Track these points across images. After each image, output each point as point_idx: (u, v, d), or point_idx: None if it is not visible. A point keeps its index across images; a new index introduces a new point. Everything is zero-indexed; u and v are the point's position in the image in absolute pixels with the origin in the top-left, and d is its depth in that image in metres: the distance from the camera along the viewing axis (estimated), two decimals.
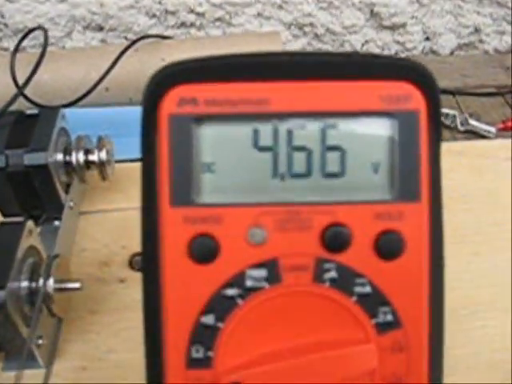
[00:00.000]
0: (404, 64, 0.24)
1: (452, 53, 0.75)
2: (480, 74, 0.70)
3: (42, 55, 0.47)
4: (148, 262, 0.24)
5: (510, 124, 0.61)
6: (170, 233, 0.23)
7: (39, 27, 0.51)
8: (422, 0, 0.70)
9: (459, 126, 0.61)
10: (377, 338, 0.23)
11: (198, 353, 0.23)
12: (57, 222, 0.46)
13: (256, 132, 0.23)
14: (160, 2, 0.66)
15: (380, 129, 0.23)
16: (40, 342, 0.37)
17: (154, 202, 0.23)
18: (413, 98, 0.23)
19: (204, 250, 0.23)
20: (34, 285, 0.37)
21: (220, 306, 0.23)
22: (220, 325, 0.23)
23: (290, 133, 0.23)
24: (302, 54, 0.29)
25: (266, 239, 0.23)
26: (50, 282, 0.36)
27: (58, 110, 0.46)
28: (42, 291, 0.36)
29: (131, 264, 0.45)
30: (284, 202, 0.23)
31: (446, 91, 0.66)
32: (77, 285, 0.38)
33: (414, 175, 0.23)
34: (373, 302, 0.23)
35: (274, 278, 0.23)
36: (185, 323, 0.23)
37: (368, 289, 0.23)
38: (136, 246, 0.46)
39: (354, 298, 0.23)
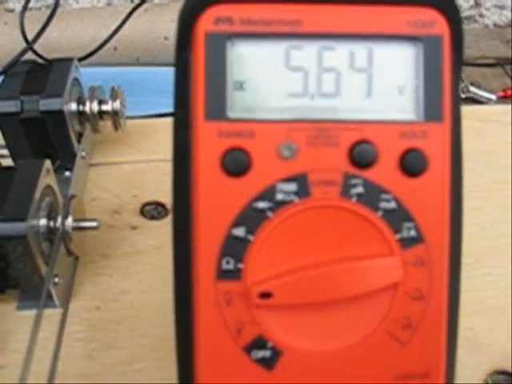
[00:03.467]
0: None
1: None
2: (481, 46, 0.71)
3: (54, 11, 0.47)
4: (180, 177, 0.25)
5: (509, 92, 0.62)
6: (204, 145, 0.24)
7: None
8: None
9: (460, 93, 0.62)
10: (401, 252, 0.24)
11: (228, 264, 0.24)
12: (67, 173, 0.46)
13: (288, 51, 0.24)
14: None
15: (406, 52, 0.24)
16: (57, 280, 0.38)
17: (188, 117, 0.24)
18: (437, 24, 0.24)
19: (236, 163, 0.24)
20: (52, 223, 0.37)
21: (251, 218, 0.24)
22: (250, 237, 0.24)
23: (320, 53, 0.24)
24: None
25: (296, 154, 0.24)
26: (69, 220, 0.37)
27: (72, 61, 0.46)
28: (61, 228, 0.36)
29: (142, 212, 0.46)
30: (314, 120, 0.24)
31: None
32: (94, 223, 0.39)
33: (438, 97, 0.24)
34: (397, 217, 0.24)
35: (303, 192, 0.24)
36: (216, 235, 0.24)
37: (393, 204, 0.24)
38: (147, 195, 0.48)
39: (380, 213, 0.24)
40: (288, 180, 0.24)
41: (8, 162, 0.46)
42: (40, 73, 0.45)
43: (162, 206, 0.47)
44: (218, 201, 0.24)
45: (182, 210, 0.25)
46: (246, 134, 0.24)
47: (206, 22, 0.24)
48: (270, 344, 0.25)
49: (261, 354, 0.25)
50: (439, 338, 0.25)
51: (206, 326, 0.25)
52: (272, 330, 0.24)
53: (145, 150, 0.51)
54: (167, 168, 0.46)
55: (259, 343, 0.25)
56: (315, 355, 0.25)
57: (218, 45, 0.24)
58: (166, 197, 0.47)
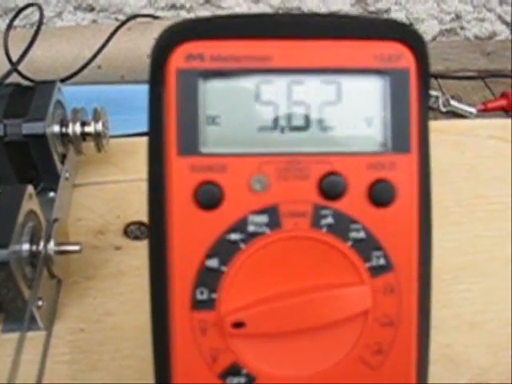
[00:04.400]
0: (395, 25, 0.25)
1: (434, 38, 0.77)
2: (461, 59, 0.72)
3: (38, 30, 0.48)
4: (155, 209, 0.25)
5: (489, 105, 0.63)
6: (177, 180, 0.24)
7: (34, 4, 0.52)
8: None
9: (441, 107, 0.63)
10: (370, 280, 0.25)
11: (202, 295, 0.25)
12: (52, 194, 0.47)
13: (258, 87, 0.25)
14: None
15: (373, 85, 0.25)
16: (40, 303, 0.38)
17: (161, 152, 0.25)
18: (404, 57, 0.25)
19: (209, 197, 0.24)
20: (34, 248, 0.38)
21: (224, 250, 0.25)
22: (223, 268, 0.25)
23: (290, 88, 0.25)
24: (303, 15, 0.30)
25: (268, 187, 0.25)
26: (51, 244, 0.38)
27: (54, 83, 0.47)
28: (43, 252, 0.37)
29: (126, 233, 0.46)
30: (284, 153, 0.25)
31: None
32: (77, 247, 0.39)
33: (405, 128, 0.25)
34: (367, 246, 0.25)
35: (274, 223, 0.25)
36: (190, 267, 0.25)
37: (362, 234, 0.25)
38: (130, 215, 0.48)
39: (350, 243, 0.25)
40: (259, 212, 0.25)
41: None
42: (23, 96, 0.46)
43: (146, 225, 0.47)
44: (192, 233, 0.25)
45: (157, 241, 0.25)
46: (219, 168, 0.24)
47: (178, 59, 0.24)
48: (244, 371, 0.25)
49: (236, 380, 0.25)
50: (409, 362, 0.26)
51: (181, 354, 0.25)
52: (246, 358, 0.25)
53: (129, 169, 0.52)
54: None
55: (234, 370, 0.25)
56: (288, 381, 0.25)
57: (190, 81, 0.24)
58: None
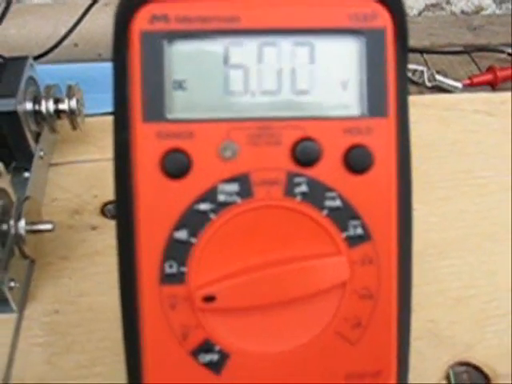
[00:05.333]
0: None
1: (420, 13, 0.76)
2: (447, 34, 0.71)
3: (7, 7, 0.46)
4: (121, 179, 0.24)
5: (475, 80, 0.62)
6: (142, 148, 0.23)
7: None
8: None
9: (426, 82, 0.62)
10: (347, 250, 0.24)
11: (171, 268, 0.24)
12: (26, 174, 0.45)
13: (227, 49, 0.23)
14: None
15: (348, 46, 0.24)
16: (12, 284, 0.37)
17: (126, 119, 0.23)
18: (379, 16, 0.24)
19: (176, 165, 0.23)
20: (4, 227, 0.36)
21: (193, 221, 0.23)
22: (193, 240, 0.24)
23: (260, 50, 0.24)
24: None
25: (238, 154, 0.23)
26: (22, 223, 0.36)
27: (26, 59, 0.45)
28: (13, 232, 0.36)
29: (103, 212, 0.45)
30: (255, 118, 0.23)
31: (414, 50, 0.67)
32: (49, 226, 0.38)
33: (382, 91, 0.24)
34: (343, 215, 0.24)
35: (245, 192, 0.23)
36: (158, 239, 0.24)
37: (338, 202, 0.24)
38: (108, 195, 0.47)
39: (325, 212, 0.24)
40: (229, 181, 0.23)
41: None
42: None
43: None
44: (159, 203, 0.23)
45: (124, 213, 0.24)
46: (186, 134, 0.23)
47: (141, 21, 0.23)
48: (217, 348, 0.24)
49: (208, 357, 0.24)
50: (389, 336, 0.25)
51: (151, 331, 0.24)
52: (218, 334, 0.24)
53: (106, 147, 0.50)
54: None
55: (206, 347, 0.24)
56: (263, 357, 0.24)
57: (155, 44, 0.23)
58: None
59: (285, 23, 0.23)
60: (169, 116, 0.23)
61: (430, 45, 0.69)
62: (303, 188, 0.24)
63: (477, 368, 0.37)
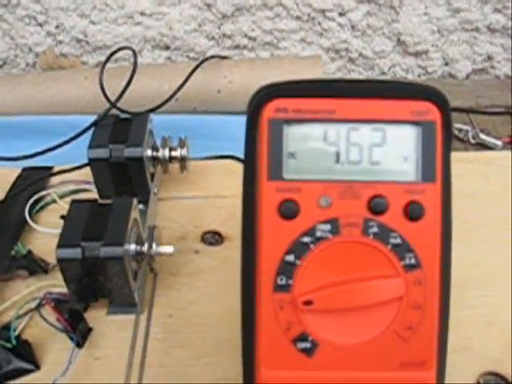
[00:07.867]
0: (427, 89, 0.35)
1: (467, 77, 0.85)
2: (491, 96, 0.80)
3: (134, 72, 0.58)
4: (248, 219, 0.35)
5: None
6: (267, 198, 0.34)
7: (127, 47, 0.62)
8: (442, 31, 0.81)
9: (471, 139, 0.71)
10: (404, 274, 0.34)
11: (281, 281, 0.34)
12: (141, 206, 0.57)
13: (325, 131, 0.34)
14: (219, 27, 0.78)
15: (410, 132, 0.34)
16: (141, 292, 0.48)
17: (254, 176, 0.34)
18: (432, 112, 0.34)
19: (289, 210, 0.33)
20: (139, 248, 0.48)
21: (298, 249, 0.34)
22: (298, 262, 0.34)
23: (348, 133, 0.34)
24: (358, 81, 0.40)
25: (331, 204, 0.34)
26: (154, 245, 0.48)
27: (148, 115, 0.57)
28: (147, 253, 0.47)
29: (203, 239, 0.56)
30: (343, 180, 0.34)
31: (461, 109, 0.75)
32: (170, 249, 0.49)
33: (432, 164, 0.34)
34: (402, 249, 0.34)
35: (335, 230, 0.34)
36: (273, 260, 0.34)
37: (399, 240, 0.34)
38: (206, 225, 0.59)
39: (389, 247, 0.34)
40: (324, 222, 0.34)
41: (94, 195, 0.57)
42: (123, 125, 0.56)
43: (219, 234, 0.57)
44: (276, 236, 0.34)
45: (249, 241, 0.35)
46: (296, 189, 0.34)
47: (269, 111, 0.34)
48: (310, 338, 0.34)
49: (303, 345, 0.34)
50: (432, 337, 0.34)
51: (265, 324, 0.34)
52: (312, 328, 0.34)
53: (203, 187, 0.62)
54: (222, 203, 0.58)
55: (302, 337, 0.34)
56: (343, 347, 0.34)
57: (277, 127, 0.34)
58: (221, 227, 0.57)
59: (366, 115, 0.34)
60: (285, 176, 0.34)
61: (476, 105, 0.78)
62: (375, 229, 0.34)
63: (503, 377, 0.46)
